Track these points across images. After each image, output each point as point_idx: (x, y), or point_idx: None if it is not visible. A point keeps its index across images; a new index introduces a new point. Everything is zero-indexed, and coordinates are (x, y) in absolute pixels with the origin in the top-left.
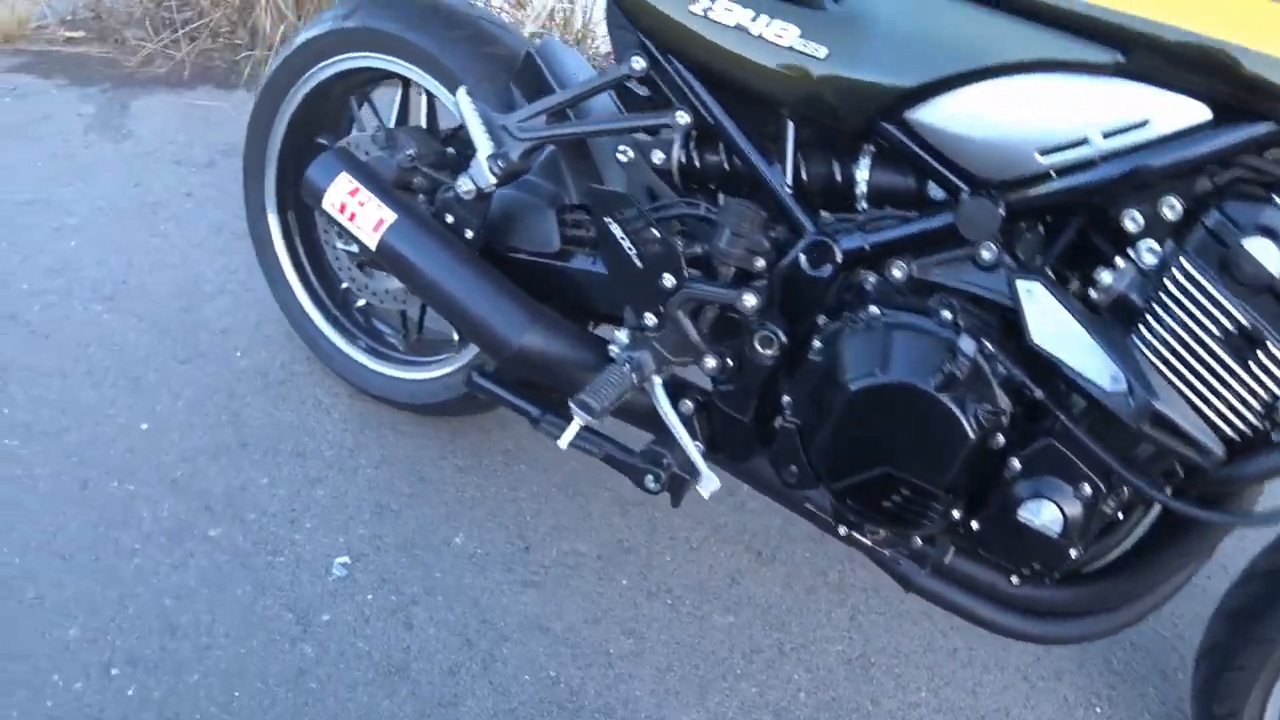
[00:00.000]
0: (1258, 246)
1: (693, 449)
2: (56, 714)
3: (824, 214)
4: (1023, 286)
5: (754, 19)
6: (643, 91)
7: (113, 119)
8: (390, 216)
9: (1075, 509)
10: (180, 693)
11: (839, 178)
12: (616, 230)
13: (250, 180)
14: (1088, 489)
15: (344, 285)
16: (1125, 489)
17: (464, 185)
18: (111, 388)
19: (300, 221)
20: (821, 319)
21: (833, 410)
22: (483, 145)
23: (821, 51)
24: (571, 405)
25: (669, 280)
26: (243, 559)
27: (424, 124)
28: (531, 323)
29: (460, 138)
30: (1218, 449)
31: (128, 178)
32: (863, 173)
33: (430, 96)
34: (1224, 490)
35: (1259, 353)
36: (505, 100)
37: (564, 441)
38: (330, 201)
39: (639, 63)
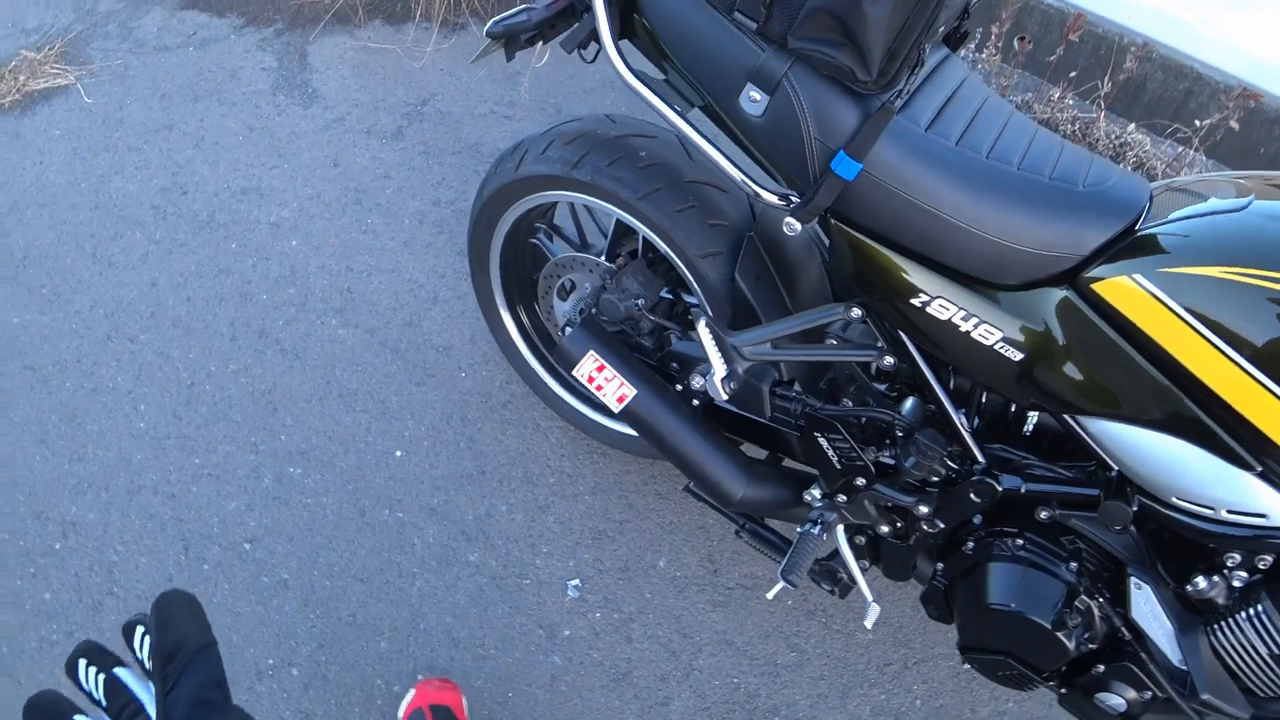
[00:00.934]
0: None
1: (864, 587)
2: (388, 711)
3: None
4: (1134, 581)
5: (964, 319)
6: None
7: (296, 75)
8: (631, 392)
9: (1136, 706)
10: (468, 694)
11: (1011, 424)
12: (824, 443)
13: (478, 276)
14: (1148, 695)
15: None
16: None
17: (696, 383)
18: (363, 412)
19: (530, 314)
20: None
21: (973, 606)
22: (718, 367)
23: (1017, 356)
24: (781, 579)
25: (860, 480)
26: (498, 582)
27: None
28: (749, 481)
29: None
30: None
31: (325, 155)
32: (1029, 425)
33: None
34: None
35: None
36: (719, 242)
37: (771, 595)
38: (580, 373)
39: (856, 312)
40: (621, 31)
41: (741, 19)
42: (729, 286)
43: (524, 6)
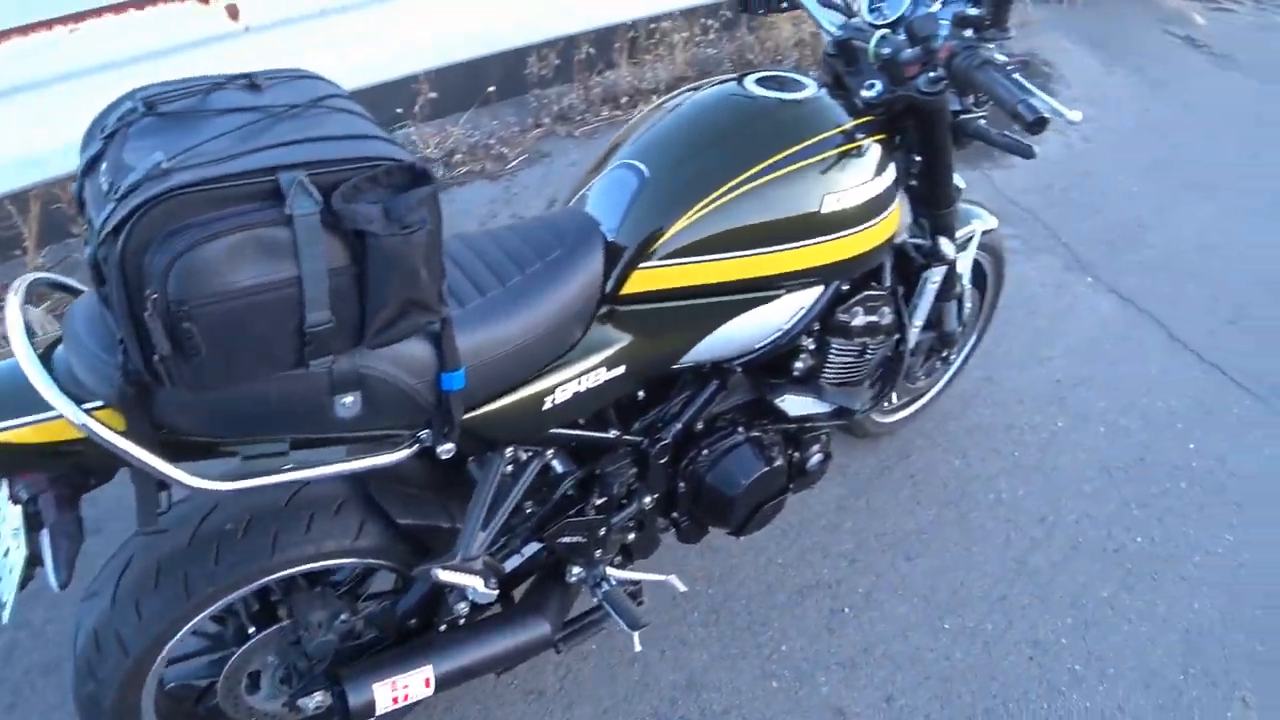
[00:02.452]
0: None
1: (655, 577)
2: None
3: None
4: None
5: (581, 382)
6: None
7: None
8: (428, 670)
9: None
10: None
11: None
12: (565, 540)
13: None
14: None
15: None
16: None
17: (461, 608)
18: None
19: None
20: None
21: (722, 501)
22: (478, 584)
23: (620, 369)
24: (635, 631)
25: (603, 531)
26: None
27: None
28: (542, 619)
29: None
30: None
31: None
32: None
33: None
34: None
35: None
36: None
37: (638, 647)
38: (383, 708)
39: (515, 454)
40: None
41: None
42: (396, 533)
43: None
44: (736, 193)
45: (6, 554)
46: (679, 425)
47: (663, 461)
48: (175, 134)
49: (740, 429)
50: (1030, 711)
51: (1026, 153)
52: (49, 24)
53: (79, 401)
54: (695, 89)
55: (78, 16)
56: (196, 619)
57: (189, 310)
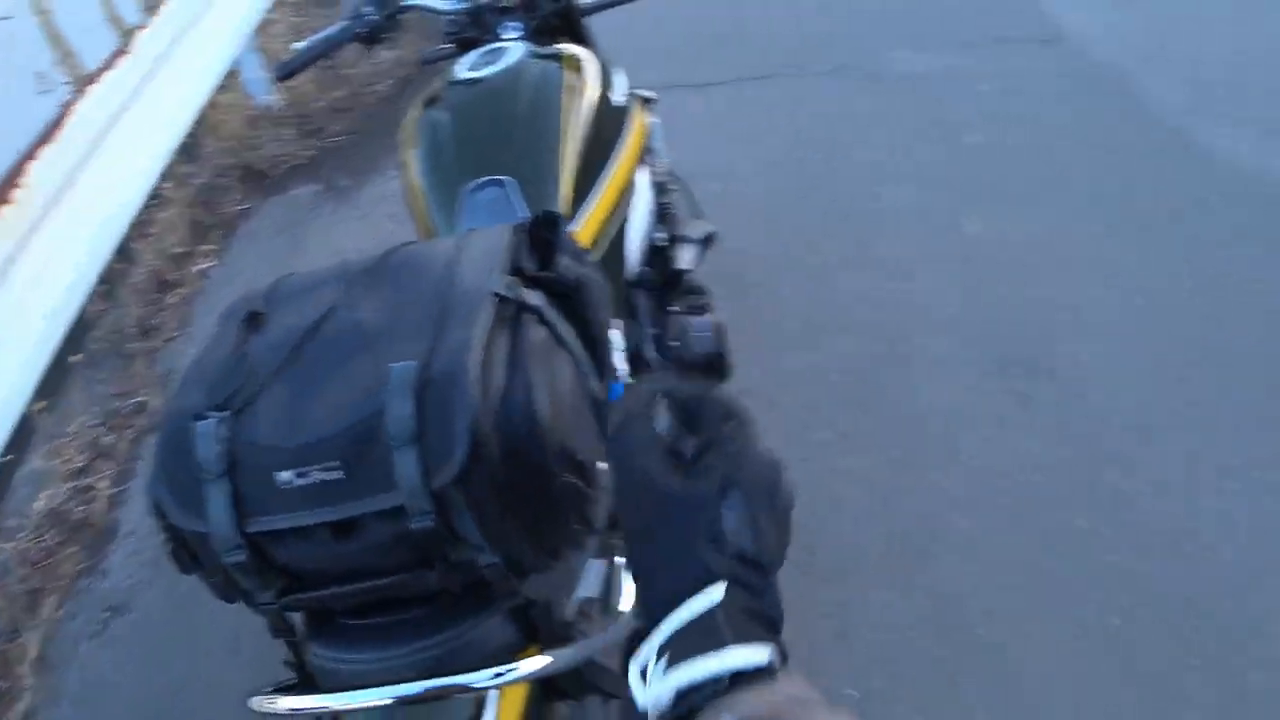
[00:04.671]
0: None
1: None
2: None
3: None
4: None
5: None
6: None
7: None
8: None
9: None
10: None
11: None
12: None
13: None
14: None
15: None
16: None
17: None
18: None
19: None
20: None
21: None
22: None
23: None
24: None
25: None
26: None
27: None
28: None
29: None
30: None
31: None
32: None
33: None
34: None
35: None
36: None
37: None
38: None
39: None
40: None
41: None
42: None
43: None
44: (568, 139)
45: None
46: (650, 341)
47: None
48: None
49: (674, 307)
50: None
51: None
52: None
53: None
54: (432, 105)
55: None
56: None
57: None
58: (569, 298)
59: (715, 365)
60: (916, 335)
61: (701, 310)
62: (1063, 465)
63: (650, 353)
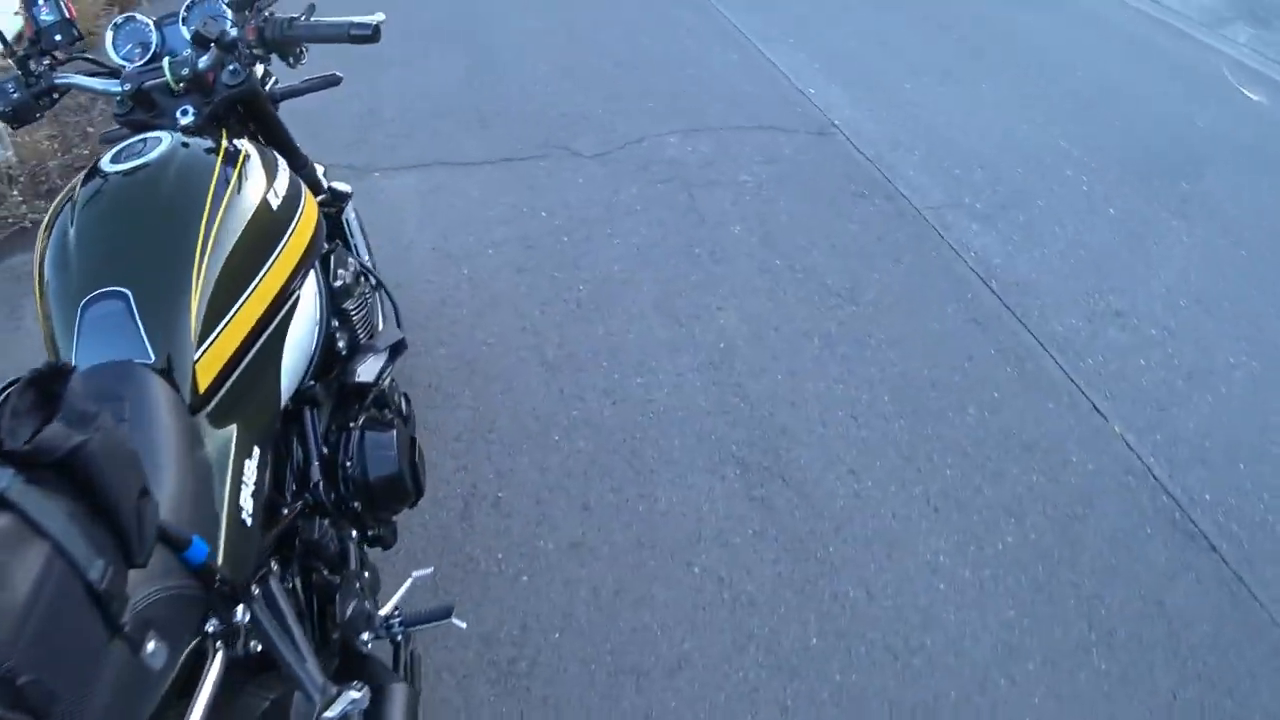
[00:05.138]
0: None
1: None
2: None
3: None
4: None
5: None
6: None
7: None
8: None
9: None
10: None
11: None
12: None
13: None
14: None
15: None
16: None
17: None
18: None
19: None
20: None
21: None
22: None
23: (257, 455)
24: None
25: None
26: None
27: None
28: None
29: None
30: None
31: None
32: None
33: None
34: None
35: None
36: None
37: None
38: None
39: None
40: None
41: None
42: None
43: None
44: (209, 246)
45: None
46: (316, 463)
47: (332, 495)
48: None
49: (351, 424)
50: None
51: (334, 81)
52: None
53: None
54: (69, 201)
55: None
56: None
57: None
58: (70, 466)
59: (396, 488)
60: (656, 435)
61: (386, 426)
62: None
63: (316, 476)
